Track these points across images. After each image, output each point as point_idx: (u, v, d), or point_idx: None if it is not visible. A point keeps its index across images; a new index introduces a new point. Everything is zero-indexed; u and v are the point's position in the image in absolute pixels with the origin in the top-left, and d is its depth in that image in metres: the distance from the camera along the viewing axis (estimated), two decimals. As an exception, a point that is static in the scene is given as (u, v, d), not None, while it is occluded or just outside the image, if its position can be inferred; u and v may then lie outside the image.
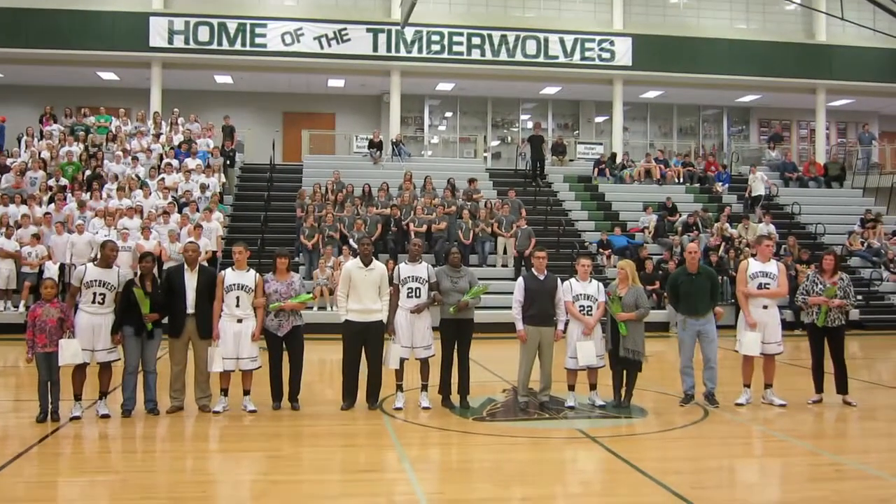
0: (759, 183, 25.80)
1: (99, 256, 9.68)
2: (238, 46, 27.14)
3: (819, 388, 10.64)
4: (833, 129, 35.20)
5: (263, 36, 27.24)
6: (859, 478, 7.57)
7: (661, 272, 20.37)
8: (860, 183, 29.20)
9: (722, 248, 21.54)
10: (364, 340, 10.00)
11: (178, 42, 26.89)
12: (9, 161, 22.48)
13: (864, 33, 25.98)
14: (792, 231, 23.62)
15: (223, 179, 23.14)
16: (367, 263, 10.01)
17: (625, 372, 10.17)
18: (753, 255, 11.28)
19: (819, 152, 31.39)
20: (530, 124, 33.60)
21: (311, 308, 16.82)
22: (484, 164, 29.54)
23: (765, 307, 10.49)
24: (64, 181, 21.29)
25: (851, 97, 32.31)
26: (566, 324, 10.20)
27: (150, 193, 20.56)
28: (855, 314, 19.42)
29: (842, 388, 10.55)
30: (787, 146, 32.66)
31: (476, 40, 28.32)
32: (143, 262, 9.75)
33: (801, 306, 10.83)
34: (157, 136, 24.46)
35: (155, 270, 10.26)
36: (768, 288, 10.48)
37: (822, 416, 10.18)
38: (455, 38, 28.22)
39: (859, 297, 20.39)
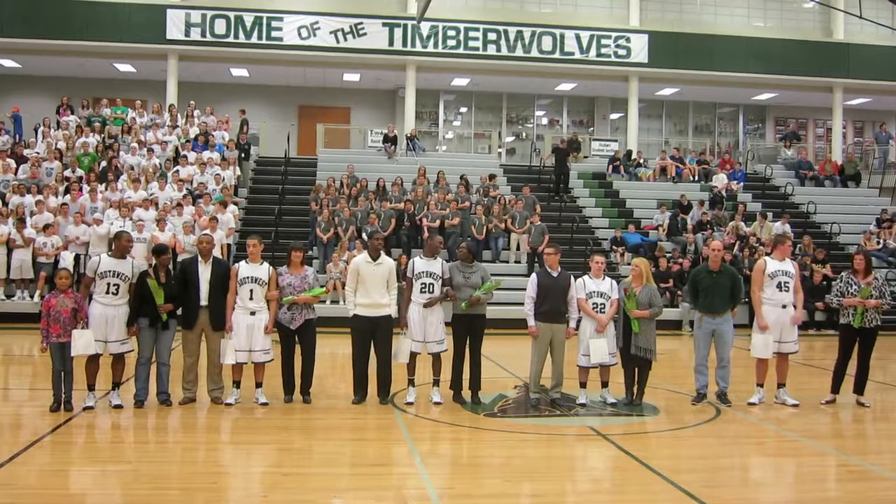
0: (720, 184, 25.60)
1: (114, 247, 9.70)
2: (254, 39, 27.17)
3: (835, 389, 10.57)
4: (850, 127, 35.00)
5: (280, 29, 27.28)
6: (872, 478, 7.53)
7: (674, 270, 20.33)
8: (876, 182, 29.02)
9: (736, 246, 21.46)
10: (373, 335, 10.00)
11: (195, 34, 26.94)
12: (26, 152, 22.59)
13: (881, 32, 25.84)
14: (807, 230, 23.49)
15: (238, 172, 23.19)
16: (375, 257, 10.02)
17: (636, 370, 10.16)
18: (768, 254, 11.19)
19: (835, 151, 31.22)
20: (545, 120, 33.64)
21: (325, 302, 16.87)
22: (498, 160, 29.52)
23: (784, 306, 10.44)
24: (80, 172, 21.36)
25: (869, 96, 32.10)
26: (579, 321, 10.19)
27: (166, 185, 20.62)
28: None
29: (859, 388, 10.50)
30: (804, 145, 32.48)
31: (492, 36, 28.27)
32: (161, 256, 9.77)
33: (836, 307, 10.75)
34: (173, 128, 24.52)
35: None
36: (788, 287, 10.43)
37: (835, 417, 10.13)
38: (471, 34, 28.17)
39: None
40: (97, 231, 18.03)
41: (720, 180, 25.89)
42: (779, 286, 10.41)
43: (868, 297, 10.27)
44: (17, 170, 21.26)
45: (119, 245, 9.55)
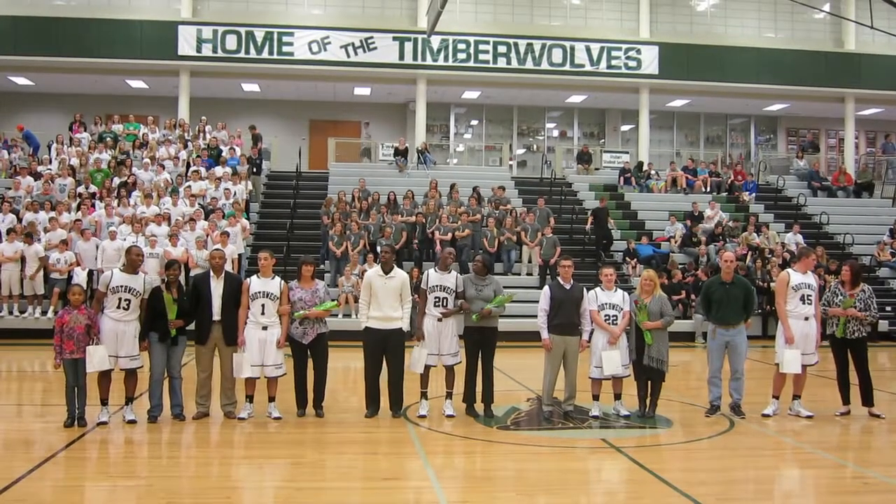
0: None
1: (125, 262, 9.70)
2: (265, 55, 27.35)
3: (846, 400, 10.53)
4: (862, 138, 34.88)
5: (290, 44, 27.43)
6: (886, 491, 7.48)
7: (687, 281, 20.26)
8: (889, 193, 28.89)
9: (749, 257, 21.37)
10: (384, 348, 10.01)
11: (207, 50, 27.12)
12: (39, 168, 22.73)
13: (893, 42, 25.77)
14: (820, 241, 23.38)
15: (250, 187, 23.25)
16: (387, 271, 10.02)
17: (649, 382, 10.13)
18: (789, 266, 11.13)
19: (848, 162, 31.11)
20: (556, 133, 33.64)
21: (336, 315, 16.87)
22: (509, 173, 29.55)
23: (806, 318, 10.39)
24: (93, 188, 21.46)
25: (881, 106, 32.03)
26: (591, 333, 10.17)
27: (178, 200, 20.68)
28: (884, 325, 19.21)
29: (867, 400, 10.43)
30: (816, 156, 32.36)
31: (502, 49, 28.36)
32: (169, 270, 9.79)
33: (823, 317, 10.73)
34: (185, 144, 24.63)
35: (182, 277, 10.29)
36: (811, 299, 10.39)
37: (848, 429, 10.08)
38: (481, 47, 28.25)
39: (887, 309, 20.23)
40: (112, 246, 18.07)
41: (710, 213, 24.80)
42: (802, 299, 10.36)
43: (849, 308, 10.25)
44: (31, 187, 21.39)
45: (129, 259, 9.54)
